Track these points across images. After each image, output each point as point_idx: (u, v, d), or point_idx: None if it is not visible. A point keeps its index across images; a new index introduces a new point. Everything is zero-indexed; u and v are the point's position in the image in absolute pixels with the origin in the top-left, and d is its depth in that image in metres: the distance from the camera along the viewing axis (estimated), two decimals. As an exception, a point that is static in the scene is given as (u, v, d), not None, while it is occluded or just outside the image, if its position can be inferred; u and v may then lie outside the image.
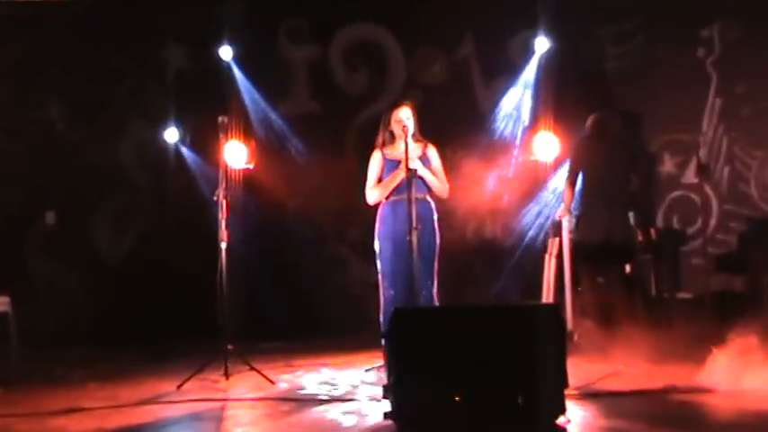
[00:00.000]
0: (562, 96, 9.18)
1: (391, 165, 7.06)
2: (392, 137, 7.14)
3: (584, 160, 8.18)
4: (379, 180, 7.13)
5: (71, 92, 9.56)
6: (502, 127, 9.53)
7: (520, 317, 5.09)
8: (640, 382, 6.09)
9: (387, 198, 7.06)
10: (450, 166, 7.52)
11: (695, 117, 9.50)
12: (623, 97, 9.46)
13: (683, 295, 8.83)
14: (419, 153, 7.07)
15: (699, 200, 8.88)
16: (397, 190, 6.97)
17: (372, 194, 7.14)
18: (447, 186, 7.20)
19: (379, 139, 7.20)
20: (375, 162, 7.17)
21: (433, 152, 7.17)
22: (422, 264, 6.68)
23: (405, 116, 7.05)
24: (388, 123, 7.14)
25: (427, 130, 7.26)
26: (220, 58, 9.44)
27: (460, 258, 8.69)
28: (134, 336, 8.72)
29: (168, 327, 8.70)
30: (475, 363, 4.79)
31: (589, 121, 8.33)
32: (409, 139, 6.92)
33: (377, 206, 7.13)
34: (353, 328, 8.57)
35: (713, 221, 9.39)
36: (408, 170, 6.74)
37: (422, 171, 6.96)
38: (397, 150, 7.03)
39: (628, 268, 8.16)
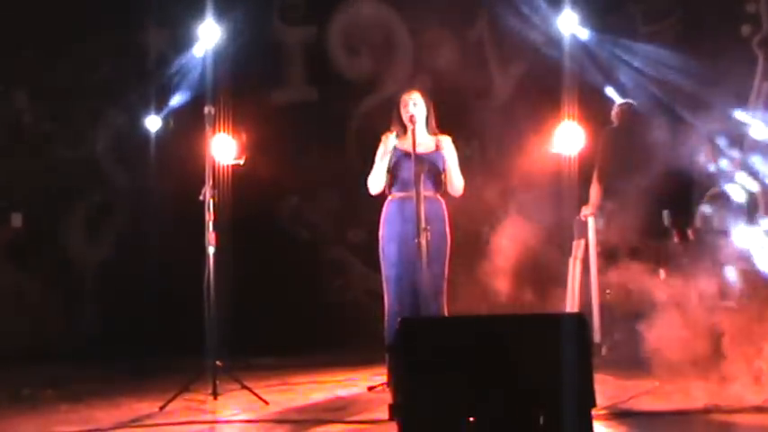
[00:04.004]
0: (587, 82, 9.17)
1: (402, 156, 7.06)
2: (403, 126, 7.14)
3: (611, 153, 8.18)
4: (389, 172, 7.11)
5: (39, 79, 9.57)
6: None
7: (541, 327, 5.09)
8: (677, 401, 6.10)
9: (392, 195, 7.06)
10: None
11: (739, 104, 9.46)
12: (656, 82, 9.44)
13: (726, 303, 8.80)
14: (432, 147, 7.09)
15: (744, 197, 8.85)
16: (403, 186, 6.97)
17: (371, 180, 7.15)
18: (462, 183, 7.19)
19: (392, 129, 7.21)
20: (387, 145, 7.14)
21: (448, 144, 7.16)
22: (430, 270, 6.69)
23: (411, 102, 7.07)
24: (398, 111, 7.16)
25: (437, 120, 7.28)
26: (207, 42, 9.45)
27: (474, 264, 8.70)
28: (111, 351, 8.73)
29: (149, 341, 8.72)
30: (491, 379, 4.80)
31: (615, 110, 8.35)
32: (421, 128, 6.95)
33: (381, 204, 7.12)
34: (355, 341, 8.57)
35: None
36: (417, 165, 6.75)
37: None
38: (408, 141, 7.02)
39: (662, 274, 8.15)
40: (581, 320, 5.25)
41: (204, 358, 6.86)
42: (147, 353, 8.58)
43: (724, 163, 8.99)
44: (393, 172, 7.07)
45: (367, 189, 7.10)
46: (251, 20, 9.72)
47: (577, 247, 8.38)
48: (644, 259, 7.89)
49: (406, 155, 6.95)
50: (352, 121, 9.88)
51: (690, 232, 8.67)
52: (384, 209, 7.09)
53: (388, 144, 7.07)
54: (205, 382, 6.78)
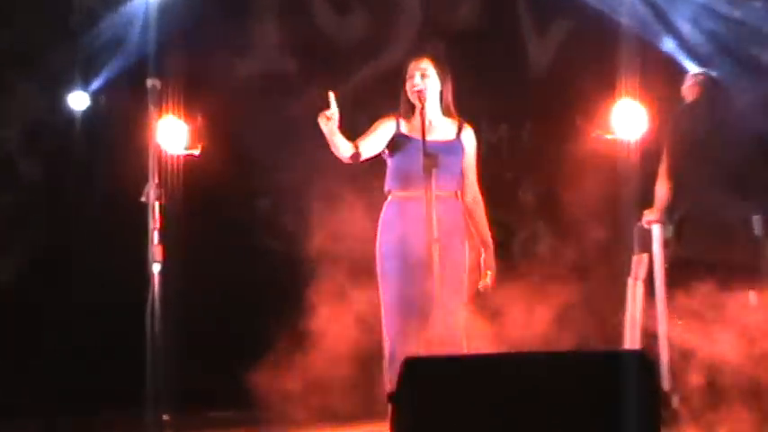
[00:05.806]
0: (652, 51, 9.19)
1: (405, 143, 7.00)
2: (410, 106, 7.07)
3: (685, 139, 8.18)
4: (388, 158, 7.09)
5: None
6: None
7: (590, 369, 5.07)
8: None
9: (393, 194, 7.01)
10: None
11: None
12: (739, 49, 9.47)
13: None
14: (448, 134, 7.05)
15: None
16: (408, 183, 6.90)
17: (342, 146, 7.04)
18: (480, 198, 7.20)
19: (395, 113, 7.16)
20: (381, 127, 7.09)
21: (469, 136, 7.13)
22: (444, 292, 6.63)
23: (418, 73, 7.02)
24: (404, 86, 7.11)
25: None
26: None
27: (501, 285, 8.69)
28: (23, 404, 8.73)
29: (75, 390, 8.72)
30: (524, 437, 4.79)
31: (688, 83, 8.34)
32: (433, 107, 6.92)
33: (379, 208, 7.09)
34: (346, 386, 8.57)
35: None
36: (427, 155, 6.68)
37: None
38: (415, 124, 6.94)
39: (753, 297, 8.14)
40: (644, 360, 5.22)
41: (145, 412, 6.83)
42: (73, 406, 8.56)
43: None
44: (395, 163, 7.02)
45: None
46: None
47: (639, 264, 8.36)
48: (728, 278, 7.89)
49: (414, 142, 6.88)
50: (342, 100, 9.85)
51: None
52: (382, 213, 7.02)
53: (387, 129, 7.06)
54: (148, 441, 6.77)
